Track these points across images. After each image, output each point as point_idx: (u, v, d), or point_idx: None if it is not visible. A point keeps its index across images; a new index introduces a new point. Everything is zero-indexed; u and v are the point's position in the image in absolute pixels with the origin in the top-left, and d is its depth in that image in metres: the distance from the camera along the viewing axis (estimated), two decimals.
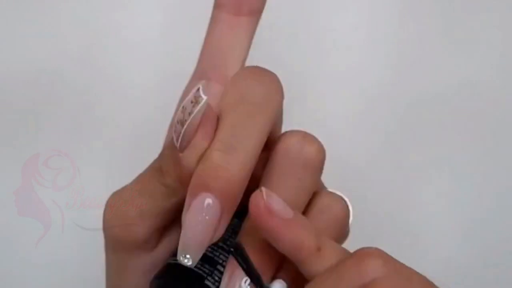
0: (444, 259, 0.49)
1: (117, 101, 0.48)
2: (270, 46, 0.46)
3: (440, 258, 0.49)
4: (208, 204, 0.24)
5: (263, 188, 0.24)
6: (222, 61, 0.28)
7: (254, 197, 0.24)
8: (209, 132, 0.25)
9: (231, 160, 0.24)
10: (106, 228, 0.29)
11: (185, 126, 0.24)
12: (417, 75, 0.49)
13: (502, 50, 0.49)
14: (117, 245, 0.29)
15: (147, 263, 0.27)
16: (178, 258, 0.24)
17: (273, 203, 0.24)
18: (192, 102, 0.24)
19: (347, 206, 0.29)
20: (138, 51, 0.48)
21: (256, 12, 0.29)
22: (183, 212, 0.24)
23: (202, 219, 0.24)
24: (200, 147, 0.25)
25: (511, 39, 0.49)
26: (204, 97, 0.24)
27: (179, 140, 0.25)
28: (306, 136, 0.27)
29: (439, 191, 0.49)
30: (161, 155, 0.28)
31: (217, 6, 0.29)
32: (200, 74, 0.29)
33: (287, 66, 0.48)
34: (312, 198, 0.28)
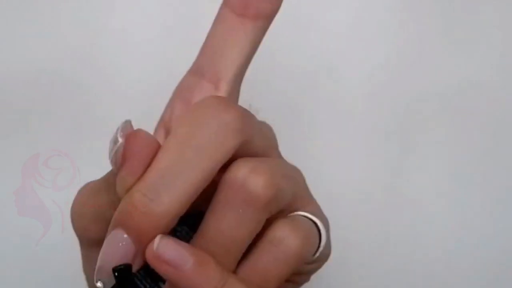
0: (444, 259, 0.49)
1: (117, 101, 0.48)
2: (269, 46, 0.46)
3: (440, 258, 0.49)
4: (122, 241, 0.24)
5: (158, 236, 0.24)
6: (217, 61, 0.27)
7: (150, 243, 0.24)
8: (135, 168, 0.24)
9: (152, 206, 0.23)
10: (71, 221, 0.29)
11: (111, 158, 0.24)
12: (417, 75, 0.49)
13: (502, 50, 0.49)
14: (79, 239, 0.30)
15: None
16: (94, 280, 0.25)
17: (166, 252, 0.24)
18: (114, 140, 0.24)
19: (312, 236, 0.27)
20: (139, 51, 0.48)
21: (262, 17, 0.27)
22: (105, 239, 0.25)
23: (115, 253, 0.24)
24: (125, 182, 0.24)
25: (511, 39, 0.49)
26: (120, 140, 0.24)
27: (112, 165, 0.25)
28: (255, 169, 0.25)
29: (439, 191, 0.49)
30: (111, 170, 0.28)
31: (224, 3, 0.28)
32: (195, 69, 0.28)
33: (287, 66, 0.48)
34: (267, 226, 0.26)
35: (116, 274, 0.24)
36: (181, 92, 0.28)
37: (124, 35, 0.48)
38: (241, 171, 0.25)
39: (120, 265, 0.24)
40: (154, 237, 0.24)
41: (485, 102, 0.49)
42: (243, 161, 0.25)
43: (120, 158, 0.24)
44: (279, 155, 0.29)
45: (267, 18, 0.27)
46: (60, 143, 0.47)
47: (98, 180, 0.29)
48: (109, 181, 0.27)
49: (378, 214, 0.48)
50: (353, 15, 0.49)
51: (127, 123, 0.25)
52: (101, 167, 0.47)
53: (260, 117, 0.28)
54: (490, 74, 0.49)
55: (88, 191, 0.29)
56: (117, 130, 0.24)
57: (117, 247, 0.24)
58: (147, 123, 0.46)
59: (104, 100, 0.48)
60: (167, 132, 0.28)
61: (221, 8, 0.28)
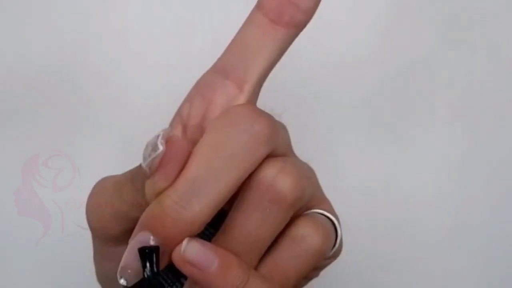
0: (444, 258, 0.49)
1: (117, 101, 0.48)
2: None
3: (440, 256, 0.49)
4: (148, 244, 0.24)
5: (186, 239, 0.24)
6: (243, 64, 0.27)
7: (178, 246, 0.25)
8: (170, 174, 0.24)
9: (182, 213, 0.24)
10: (87, 218, 0.29)
11: (147, 163, 0.25)
12: (420, 72, 0.49)
13: (505, 49, 0.49)
14: (94, 234, 0.30)
15: (121, 253, 0.27)
16: (118, 277, 0.25)
17: (192, 255, 0.24)
18: (152, 146, 0.24)
19: (331, 233, 0.28)
20: (140, 52, 0.48)
21: (295, 25, 0.27)
22: (130, 238, 0.25)
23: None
24: (157, 187, 0.25)
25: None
26: (161, 148, 0.24)
27: (146, 169, 0.25)
28: (284, 169, 0.25)
29: (440, 188, 0.49)
30: (137, 169, 0.28)
31: (257, 6, 0.28)
32: (219, 68, 0.28)
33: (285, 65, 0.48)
34: (289, 224, 0.27)
35: (142, 254, 0.24)
36: (202, 88, 0.28)
37: (126, 36, 0.48)
38: (269, 172, 0.25)
39: (148, 247, 0.24)
40: (181, 241, 0.24)
41: (486, 98, 0.49)
42: (270, 161, 0.26)
43: (157, 164, 0.24)
44: (294, 154, 0.29)
45: (299, 27, 0.27)
46: (60, 143, 0.47)
47: (119, 178, 0.29)
48: (133, 180, 0.27)
49: (378, 210, 0.48)
50: (353, 16, 0.49)
51: (167, 130, 0.25)
52: (101, 167, 0.47)
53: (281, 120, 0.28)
54: (493, 72, 0.49)
55: (109, 190, 0.29)
56: (158, 137, 0.24)
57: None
58: (148, 122, 0.47)
59: (105, 100, 0.48)
60: (184, 129, 0.28)
61: (253, 11, 0.28)
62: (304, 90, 0.48)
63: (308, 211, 0.28)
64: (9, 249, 0.47)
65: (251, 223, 0.25)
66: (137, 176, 0.27)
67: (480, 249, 0.49)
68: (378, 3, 0.48)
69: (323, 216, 0.28)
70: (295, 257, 0.26)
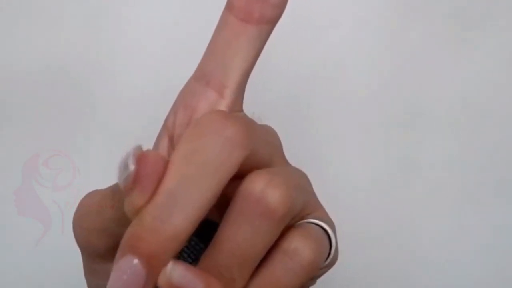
0: (449, 258, 0.49)
1: (118, 101, 0.48)
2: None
3: (445, 257, 0.49)
4: (133, 267, 0.23)
5: (171, 262, 0.24)
6: (221, 67, 0.27)
7: (163, 270, 0.24)
8: (146, 189, 0.24)
9: (164, 227, 0.23)
10: (73, 232, 0.29)
11: (121, 182, 0.24)
12: (424, 72, 0.49)
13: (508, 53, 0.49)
14: (81, 250, 0.29)
15: (108, 270, 0.27)
16: None
17: (178, 279, 0.23)
18: (124, 165, 0.24)
19: (324, 244, 0.27)
20: (142, 52, 0.48)
21: (266, 22, 0.27)
22: (114, 261, 0.24)
23: (125, 281, 0.23)
24: (136, 203, 0.24)
25: None
26: (131, 167, 0.24)
27: (122, 188, 0.24)
28: (272, 181, 0.25)
29: (445, 187, 0.49)
30: (116, 185, 0.27)
31: (227, 7, 0.27)
32: (199, 75, 0.28)
33: (284, 67, 0.48)
34: (280, 237, 0.26)
35: None
36: (185, 98, 0.28)
37: (128, 37, 0.48)
38: (257, 184, 0.24)
39: None
40: (166, 259, 0.24)
41: (492, 100, 0.49)
42: (257, 174, 0.25)
43: (131, 183, 0.24)
44: (285, 161, 0.29)
45: (271, 23, 0.27)
46: (60, 143, 0.47)
47: (104, 191, 0.29)
48: (113, 196, 0.27)
49: (383, 211, 0.48)
50: (356, 15, 0.49)
51: (138, 149, 0.24)
52: (101, 167, 0.47)
53: (264, 122, 0.28)
54: (498, 74, 0.49)
55: (93, 197, 0.29)
56: (128, 155, 0.24)
57: (127, 275, 0.23)
58: (149, 123, 0.47)
59: (105, 101, 0.48)
60: (170, 139, 0.28)
61: (223, 13, 0.27)
62: (302, 90, 0.48)
63: (300, 221, 0.27)
64: (9, 249, 0.47)
65: (240, 237, 0.25)
66: (116, 193, 0.27)
67: (482, 252, 0.49)
68: (378, 2, 0.48)
69: (316, 226, 0.27)
70: (288, 271, 0.26)
